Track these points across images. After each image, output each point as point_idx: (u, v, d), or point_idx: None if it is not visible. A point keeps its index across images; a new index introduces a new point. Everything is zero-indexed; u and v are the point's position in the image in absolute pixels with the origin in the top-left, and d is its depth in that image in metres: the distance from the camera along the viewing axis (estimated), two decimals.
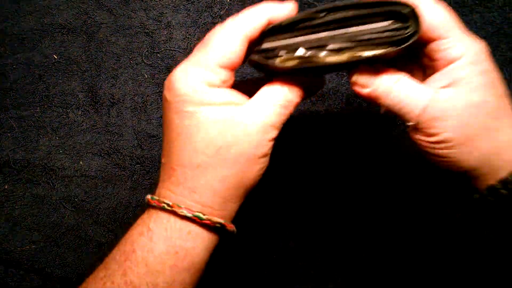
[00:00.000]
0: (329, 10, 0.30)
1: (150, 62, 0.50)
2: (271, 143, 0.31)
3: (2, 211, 0.49)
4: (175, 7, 0.51)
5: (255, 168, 0.31)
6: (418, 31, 0.29)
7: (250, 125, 0.30)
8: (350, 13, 0.30)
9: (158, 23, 0.50)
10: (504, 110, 0.30)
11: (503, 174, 0.30)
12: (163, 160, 0.33)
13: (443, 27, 0.30)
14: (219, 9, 0.51)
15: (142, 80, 0.50)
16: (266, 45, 0.31)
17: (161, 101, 0.50)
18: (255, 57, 0.31)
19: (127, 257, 0.31)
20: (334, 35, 0.30)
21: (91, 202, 0.49)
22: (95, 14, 0.51)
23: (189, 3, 0.51)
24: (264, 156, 0.31)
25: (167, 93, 0.31)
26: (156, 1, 0.51)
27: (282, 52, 0.31)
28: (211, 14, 0.50)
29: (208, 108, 0.30)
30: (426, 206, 0.47)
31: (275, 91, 0.31)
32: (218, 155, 0.30)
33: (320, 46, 0.30)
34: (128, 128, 0.49)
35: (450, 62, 0.30)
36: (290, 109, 0.32)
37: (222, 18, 0.50)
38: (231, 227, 0.32)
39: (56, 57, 0.50)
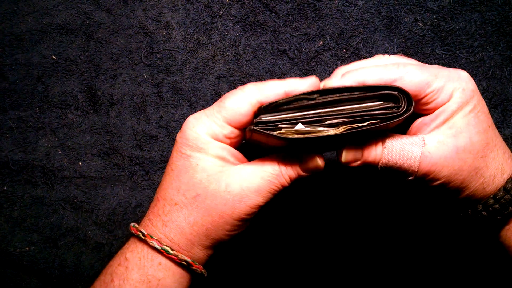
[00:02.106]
0: (321, 93, 0.32)
1: (149, 62, 0.50)
2: (252, 210, 0.33)
3: (1, 212, 0.48)
4: (174, 7, 0.51)
5: (225, 227, 0.33)
6: (411, 108, 0.31)
7: (232, 186, 0.32)
8: (342, 96, 0.31)
9: (157, 23, 0.50)
10: (490, 144, 0.33)
11: (490, 190, 0.33)
12: (157, 190, 0.36)
13: (425, 85, 0.32)
14: (219, 9, 0.50)
15: (141, 81, 0.50)
16: (266, 118, 0.32)
17: (160, 101, 0.50)
18: (256, 128, 0.32)
19: (106, 287, 0.33)
20: (331, 111, 0.32)
21: (91, 203, 0.49)
22: (94, 14, 0.50)
23: (188, 3, 0.50)
24: (239, 219, 0.33)
25: (178, 133, 0.35)
26: (155, 1, 0.51)
27: (282, 125, 0.32)
28: (210, 14, 0.50)
29: (202, 156, 0.33)
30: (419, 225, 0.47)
31: (266, 164, 0.33)
32: (195, 201, 0.33)
33: (317, 121, 0.32)
34: (127, 129, 0.49)
35: (438, 107, 0.32)
36: (278, 184, 0.33)
37: (221, 18, 0.50)
38: (198, 267, 0.34)
39: (55, 57, 0.50)
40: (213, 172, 0.33)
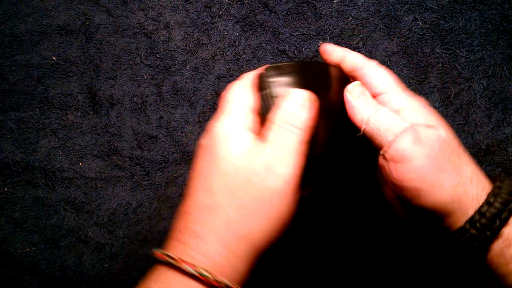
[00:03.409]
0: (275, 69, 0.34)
1: (149, 63, 0.50)
2: (295, 201, 0.29)
3: (2, 213, 0.49)
4: (173, 7, 0.51)
5: (270, 222, 0.28)
6: None
7: (274, 165, 0.28)
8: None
9: (157, 24, 0.50)
10: (461, 147, 0.31)
11: (471, 212, 0.29)
12: (180, 203, 0.31)
13: (385, 87, 0.33)
14: (218, 9, 0.50)
15: (141, 81, 0.50)
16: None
17: (160, 101, 0.50)
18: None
19: None
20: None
21: (91, 204, 0.49)
22: (94, 15, 0.50)
23: (187, 3, 0.50)
24: (287, 214, 0.28)
25: (203, 140, 0.31)
26: (155, 2, 0.51)
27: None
28: (210, 14, 0.50)
29: (230, 136, 0.30)
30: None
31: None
32: (232, 196, 0.28)
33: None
34: (128, 129, 0.49)
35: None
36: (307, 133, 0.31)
37: (221, 18, 0.50)
38: None
39: (54, 58, 0.50)
40: (239, 161, 0.28)
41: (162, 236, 0.48)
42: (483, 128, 0.48)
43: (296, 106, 0.31)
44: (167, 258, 0.27)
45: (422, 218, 0.32)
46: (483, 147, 0.48)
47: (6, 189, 0.49)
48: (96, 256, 0.48)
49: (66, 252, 0.48)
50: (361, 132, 0.32)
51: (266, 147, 0.29)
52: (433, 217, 0.30)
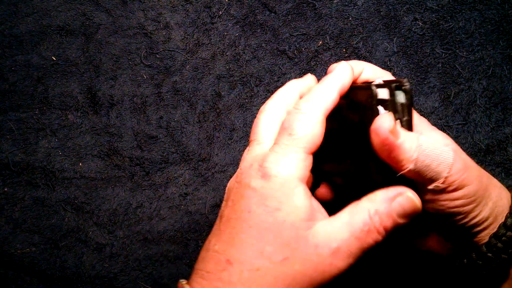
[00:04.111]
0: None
1: (149, 63, 0.50)
2: (342, 271, 0.27)
3: (2, 213, 0.49)
4: (173, 7, 0.51)
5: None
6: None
7: (321, 248, 0.27)
8: None
9: (157, 24, 0.50)
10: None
11: (500, 220, 0.30)
12: (216, 247, 0.28)
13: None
14: (218, 9, 0.50)
15: (141, 81, 0.50)
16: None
17: (160, 101, 0.49)
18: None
19: None
20: None
21: (91, 204, 0.49)
22: (93, 15, 0.50)
23: (187, 3, 0.50)
24: (327, 282, 0.27)
25: (257, 180, 0.28)
26: (155, 2, 0.51)
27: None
28: (210, 14, 0.50)
29: (290, 208, 0.27)
30: None
31: (355, 216, 0.28)
32: (282, 266, 0.27)
33: None
34: (128, 129, 0.49)
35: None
36: (370, 242, 0.27)
37: (221, 18, 0.50)
38: None
39: (54, 58, 0.50)
40: (302, 228, 0.27)
41: (162, 236, 0.48)
42: (483, 128, 0.48)
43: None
44: None
45: (457, 239, 0.31)
46: (483, 147, 0.48)
47: (6, 189, 0.49)
48: (96, 256, 0.48)
49: (66, 253, 0.48)
50: (405, 171, 0.28)
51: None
52: (468, 235, 0.30)
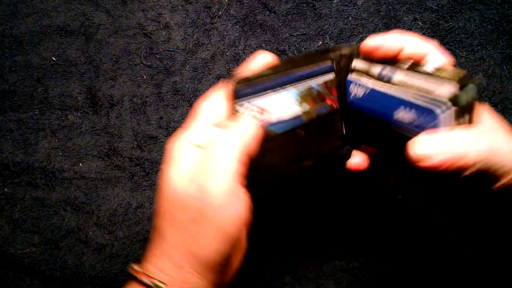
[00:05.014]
0: None
1: (149, 63, 0.50)
2: (239, 209, 0.29)
3: (2, 214, 0.49)
4: (173, 7, 0.51)
5: (215, 238, 0.29)
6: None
7: (210, 191, 0.28)
8: None
9: (157, 24, 0.50)
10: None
11: None
12: (155, 222, 0.32)
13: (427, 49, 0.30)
14: (218, 9, 0.50)
15: (141, 81, 0.50)
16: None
17: (160, 102, 0.50)
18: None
19: None
20: None
21: (91, 204, 0.49)
22: (93, 15, 0.50)
23: (187, 3, 0.50)
24: (230, 225, 0.29)
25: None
26: (154, 2, 0.51)
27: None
28: (210, 14, 0.50)
29: (178, 167, 0.29)
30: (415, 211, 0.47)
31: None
32: (171, 220, 0.29)
33: None
34: (128, 130, 0.49)
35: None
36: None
37: (220, 18, 0.50)
38: None
39: (54, 59, 0.50)
40: (187, 170, 0.29)
41: None
42: None
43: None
44: (131, 271, 0.30)
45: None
46: None
47: (6, 189, 0.49)
48: (96, 256, 0.48)
49: (66, 253, 0.48)
50: (467, 174, 0.27)
51: (202, 162, 0.29)
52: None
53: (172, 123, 0.49)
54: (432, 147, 0.27)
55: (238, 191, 0.28)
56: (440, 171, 0.27)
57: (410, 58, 0.31)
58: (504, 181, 0.28)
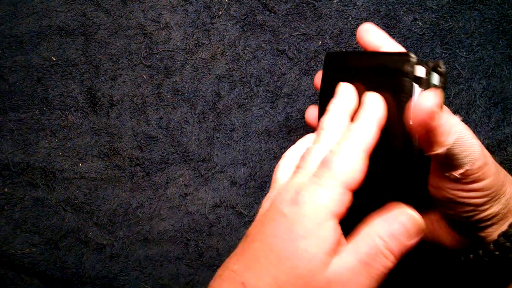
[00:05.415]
0: None
1: (149, 63, 0.50)
2: None
3: (2, 214, 0.49)
4: (173, 7, 0.51)
5: None
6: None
7: (333, 282, 0.26)
8: None
9: (157, 24, 0.50)
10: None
11: (511, 219, 0.30)
12: (235, 267, 0.28)
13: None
14: (218, 9, 0.50)
15: (141, 82, 0.50)
16: None
17: (160, 102, 0.49)
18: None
19: None
20: None
21: (91, 204, 0.49)
22: (93, 15, 0.50)
23: (187, 3, 0.51)
24: None
25: (289, 207, 0.27)
26: (154, 2, 0.51)
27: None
28: (210, 14, 0.50)
29: (313, 239, 0.26)
30: None
31: (359, 238, 0.28)
32: None
33: None
34: (128, 130, 0.49)
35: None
36: (380, 269, 0.27)
37: (220, 18, 0.50)
38: None
39: (54, 59, 0.50)
40: (321, 261, 0.26)
41: (162, 237, 0.48)
42: (483, 128, 0.48)
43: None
44: None
45: (464, 231, 0.31)
46: None
47: (6, 190, 0.49)
48: (96, 256, 0.48)
49: (66, 253, 0.48)
50: (434, 153, 0.27)
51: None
52: (476, 229, 0.30)
53: (172, 123, 0.49)
54: (434, 99, 0.26)
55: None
56: (427, 129, 0.27)
57: None
58: (464, 169, 0.28)
